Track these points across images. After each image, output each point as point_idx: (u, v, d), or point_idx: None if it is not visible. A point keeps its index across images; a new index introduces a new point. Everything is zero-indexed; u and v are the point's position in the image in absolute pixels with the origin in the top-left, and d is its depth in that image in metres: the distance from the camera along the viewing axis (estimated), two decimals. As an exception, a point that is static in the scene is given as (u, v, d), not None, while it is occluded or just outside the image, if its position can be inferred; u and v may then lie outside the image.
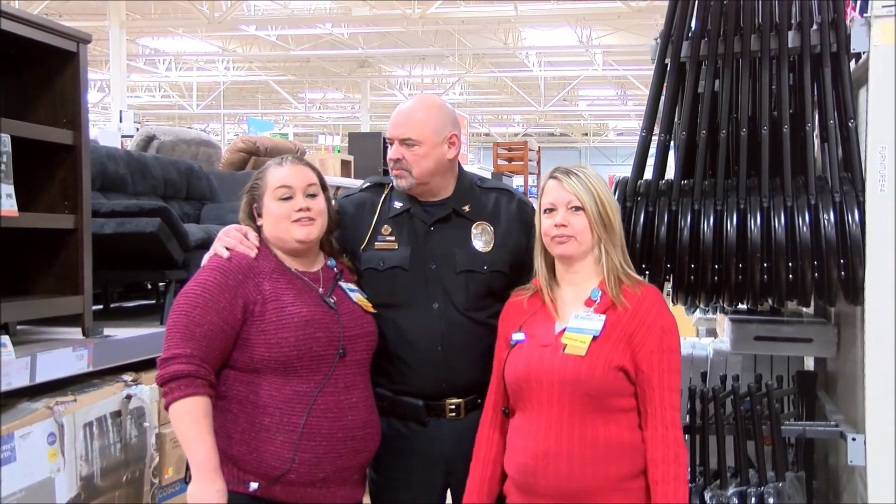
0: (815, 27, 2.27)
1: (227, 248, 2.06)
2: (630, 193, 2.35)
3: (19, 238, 2.50)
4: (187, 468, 1.97)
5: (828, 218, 2.16)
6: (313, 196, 2.10)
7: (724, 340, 3.05)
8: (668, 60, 2.39)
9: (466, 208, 2.23)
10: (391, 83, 22.10)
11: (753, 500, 2.37)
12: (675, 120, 2.42)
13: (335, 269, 2.18)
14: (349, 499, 2.09)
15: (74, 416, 2.43)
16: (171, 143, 4.73)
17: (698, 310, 2.82)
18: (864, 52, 2.26)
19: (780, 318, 2.81)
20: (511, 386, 1.99)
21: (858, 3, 2.37)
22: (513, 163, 15.80)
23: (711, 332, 4.27)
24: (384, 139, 10.37)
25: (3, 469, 2.19)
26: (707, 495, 2.40)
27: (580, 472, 1.88)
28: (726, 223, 2.23)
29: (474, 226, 2.23)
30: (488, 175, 10.58)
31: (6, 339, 2.27)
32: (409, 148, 2.15)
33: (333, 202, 2.25)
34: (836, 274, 2.17)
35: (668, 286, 2.36)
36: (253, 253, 2.07)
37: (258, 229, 2.12)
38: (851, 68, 2.29)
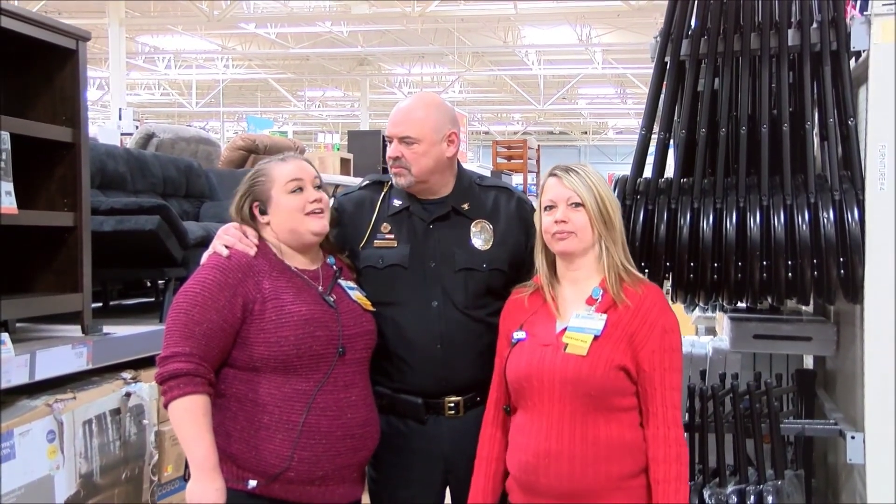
0: (815, 25, 2.27)
1: (227, 247, 2.06)
2: (629, 192, 2.35)
3: (19, 236, 2.50)
4: (186, 466, 1.96)
5: (827, 216, 2.16)
6: (319, 188, 2.12)
7: (723, 339, 3.05)
8: (667, 59, 2.39)
9: (466, 206, 2.23)
10: (390, 81, 22.09)
11: (752, 498, 2.37)
12: (675, 118, 2.42)
13: (334, 266, 2.18)
14: (348, 497, 2.09)
15: (74, 413, 2.43)
16: (170, 140, 4.73)
17: (697, 308, 2.81)
18: (864, 51, 2.26)
19: (780, 316, 2.81)
20: (512, 385, 1.99)
21: (858, 1, 2.37)
22: (512, 161, 15.78)
23: (711, 331, 4.27)
24: (383, 137, 10.40)
25: (2, 466, 2.19)
26: (706, 493, 2.40)
27: (581, 472, 1.88)
28: (726, 221, 2.23)
29: (473, 224, 2.22)
30: (488, 173, 10.56)
31: (6, 336, 2.27)
32: (408, 146, 2.15)
33: (332, 201, 2.25)
34: (836, 272, 2.17)
35: (668, 284, 2.36)
36: (252, 251, 2.07)
37: (256, 228, 2.12)
38: (851, 67, 2.29)
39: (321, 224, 2.10)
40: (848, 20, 2.26)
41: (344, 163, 9.22)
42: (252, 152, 6.00)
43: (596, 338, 1.90)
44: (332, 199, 2.34)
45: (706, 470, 2.44)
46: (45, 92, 2.58)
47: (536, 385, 1.93)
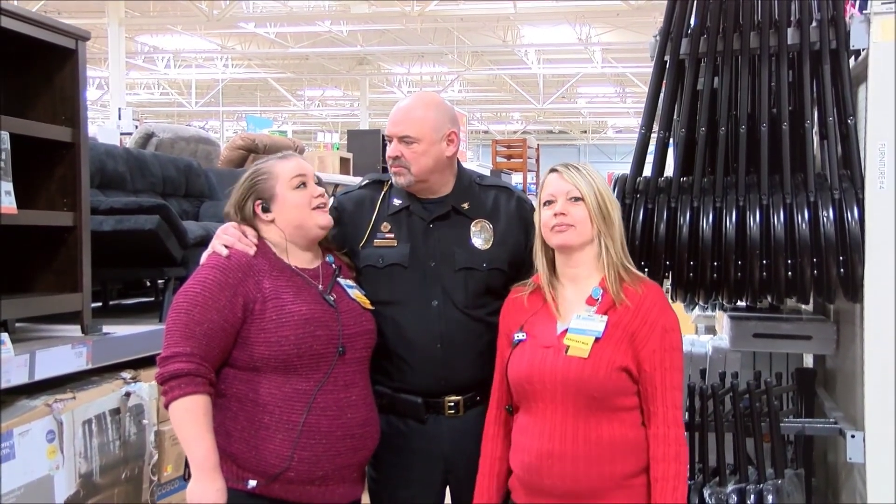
0: (814, 24, 2.27)
1: (226, 246, 2.06)
2: (629, 190, 2.35)
3: (18, 235, 2.50)
4: (186, 466, 1.96)
5: (827, 215, 2.16)
6: (318, 185, 2.14)
7: (723, 338, 3.05)
8: (667, 57, 2.39)
9: (466, 206, 2.23)
10: (390, 80, 22.09)
11: (752, 497, 2.37)
12: (675, 117, 2.42)
13: (333, 265, 2.18)
14: (348, 497, 2.09)
15: (73, 413, 2.43)
16: (169, 140, 4.73)
17: (697, 307, 2.81)
18: (863, 49, 2.26)
19: (779, 315, 2.81)
20: (514, 386, 1.99)
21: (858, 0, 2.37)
22: (512, 160, 15.77)
23: (710, 330, 4.27)
24: (383, 136, 10.40)
25: (2, 466, 2.18)
26: (706, 492, 2.40)
27: (585, 472, 1.88)
28: (725, 220, 2.23)
29: (473, 223, 2.22)
30: (487, 172, 10.55)
31: (5, 336, 2.26)
32: (407, 145, 2.15)
33: (332, 200, 2.25)
34: (836, 271, 2.17)
35: (668, 283, 2.36)
36: (252, 250, 2.07)
37: (255, 227, 2.12)
38: (851, 65, 2.29)
39: (327, 218, 2.12)
40: (847, 19, 2.26)
41: (343, 162, 9.22)
42: (252, 152, 6.00)
43: (597, 340, 1.90)
44: (332, 198, 2.34)
45: (706, 469, 2.44)
46: (45, 92, 2.58)
47: (538, 387, 1.93)
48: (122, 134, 8.31)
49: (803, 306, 2.91)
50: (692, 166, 2.34)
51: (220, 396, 2.01)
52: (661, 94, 2.41)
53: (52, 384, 2.45)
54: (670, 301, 2.22)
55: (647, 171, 2.43)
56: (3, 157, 2.24)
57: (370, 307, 2.16)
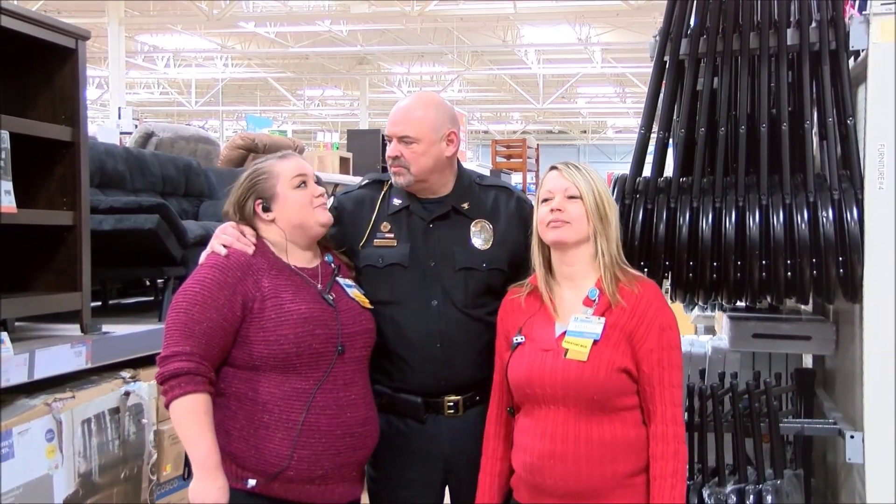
0: (813, 25, 2.27)
1: (225, 246, 2.06)
2: (629, 191, 2.35)
3: (18, 234, 2.50)
4: (186, 465, 1.97)
5: (826, 215, 2.16)
6: (317, 184, 2.14)
7: (722, 338, 3.05)
8: (667, 58, 2.39)
9: (465, 206, 2.23)
10: (390, 80, 22.08)
11: (752, 497, 2.37)
12: (674, 117, 2.42)
13: (332, 264, 2.18)
14: (348, 496, 2.10)
15: (73, 412, 2.43)
16: (169, 139, 4.73)
17: (697, 307, 2.82)
18: (862, 50, 2.26)
19: (779, 315, 2.81)
20: (514, 389, 2.00)
21: (857, 0, 2.37)
22: (511, 160, 15.77)
23: (710, 330, 4.27)
24: (383, 136, 10.39)
25: (1, 466, 2.18)
26: (705, 493, 2.40)
27: (587, 472, 1.89)
28: (725, 220, 2.23)
29: (473, 223, 2.22)
30: (487, 172, 10.56)
31: (4, 335, 2.26)
32: (407, 145, 2.15)
33: (332, 200, 2.25)
34: (835, 271, 2.17)
35: (667, 283, 2.36)
36: (250, 250, 2.07)
37: (255, 227, 2.12)
38: (850, 66, 2.29)
39: (328, 216, 2.13)
40: (847, 19, 2.26)
41: (343, 162, 9.22)
42: (251, 151, 6.00)
43: (595, 342, 1.90)
44: (332, 198, 2.34)
45: (705, 469, 2.44)
46: (45, 91, 2.58)
47: (539, 391, 1.93)
48: (121, 133, 8.32)
49: (802, 307, 2.92)
50: (692, 166, 2.34)
51: (220, 395, 2.01)
52: (661, 95, 2.41)
53: (52, 383, 2.45)
54: (669, 301, 2.22)
55: (647, 171, 2.43)
56: (3, 156, 2.24)
57: (369, 306, 2.16)
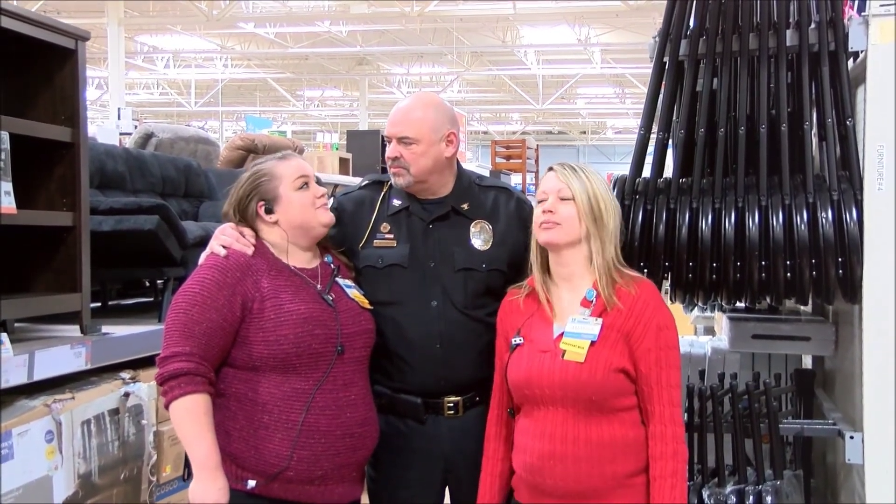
0: (813, 26, 2.27)
1: (224, 247, 2.06)
2: (628, 191, 2.35)
3: (18, 235, 2.50)
4: (186, 466, 1.97)
5: (826, 216, 2.17)
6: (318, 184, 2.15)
7: (722, 338, 3.05)
8: (666, 59, 2.39)
9: (465, 206, 2.23)
10: (389, 81, 22.09)
11: (751, 498, 2.37)
12: (674, 118, 2.42)
13: (332, 265, 2.18)
14: (347, 496, 2.10)
15: (72, 413, 2.43)
16: (169, 140, 4.73)
17: (696, 308, 2.82)
18: (861, 51, 2.26)
19: (778, 316, 2.81)
20: (514, 390, 2.00)
21: (856, 1, 2.37)
22: (511, 161, 15.79)
23: (709, 331, 4.27)
24: (382, 137, 10.39)
25: (0, 467, 2.18)
26: (705, 493, 2.40)
27: (587, 473, 1.89)
28: (724, 221, 2.23)
29: (473, 224, 2.23)
30: (487, 173, 10.56)
31: (4, 336, 2.26)
32: (406, 146, 2.15)
33: (332, 201, 2.25)
34: (834, 272, 2.17)
35: (667, 284, 2.36)
36: (250, 250, 2.07)
37: (255, 228, 2.12)
38: (849, 67, 2.29)
39: (330, 216, 2.14)
40: (846, 20, 2.26)
41: (343, 162, 9.22)
42: (251, 152, 6.00)
43: (592, 343, 1.90)
44: (332, 198, 2.34)
45: (705, 470, 2.44)
46: (45, 92, 2.58)
47: (537, 392, 1.93)
48: (121, 134, 8.31)
49: (802, 307, 2.92)
50: (691, 167, 2.34)
51: (219, 396, 2.01)
52: (661, 96, 2.41)
53: (51, 384, 2.45)
54: (669, 302, 2.22)
55: (647, 172, 2.43)
56: (3, 156, 2.24)
57: (369, 307, 2.16)
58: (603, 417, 1.90)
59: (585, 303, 1.96)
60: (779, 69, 2.31)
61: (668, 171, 2.43)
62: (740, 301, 2.40)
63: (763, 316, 2.79)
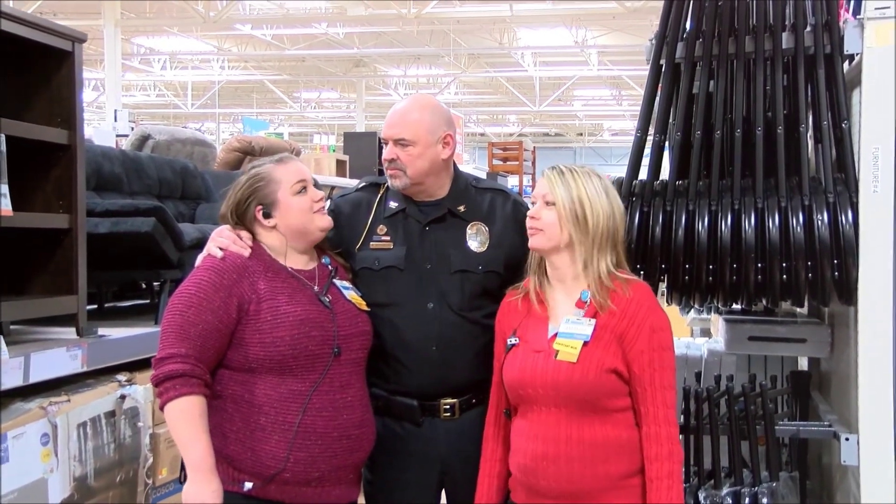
0: (808, 29, 2.28)
1: (221, 249, 2.06)
2: (625, 194, 2.35)
3: (14, 237, 2.50)
4: (181, 468, 1.96)
5: (822, 218, 2.17)
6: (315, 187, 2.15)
7: (718, 340, 3.06)
8: (663, 61, 2.39)
9: (462, 208, 2.24)
10: (386, 83, 22.10)
11: (747, 499, 2.37)
12: (670, 120, 2.43)
13: (329, 266, 2.18)
14: (344, 498, 2.09)
15: (68, 416, 2.43)
16: (166, 142, 4.73)
17: (693, 310, 2.82)
18: (857, 54, 2.26)
19: (774, 318, 2.82)
20: (509, 391, 2.01)
21: (852, 4, 2.38)
22: (508, 163, 15.80)
23: (706, 333, 4.28)
24: (379, 139, 10.35)
25: (-4, 469, 2.18)
26: (701, 495, 2.40)
27: (579, 474, 1.89)
28: (721, 223, 2.24)
29: (469, 226, 2.23)
30: (483, 175, 10.58)
31: (0, 338, 2.26)
32: (403, 148, 2.15)
33: (329, 203, 2.25)
34: (830, 274, 2.18)
35: (663, 286, 2.37)
36: (246, 252, 2.07)
37: (252, 232, 2.12)
38: (845, 70, 2.30)
39: (328, 220, 2.15)
40: (841, 23, 2.27)
41: (340, 164, 9.21)
42: (248, 154, 5.99)
43: (585, 343, 1.90)
44: (329, 200, 2.34)
45: (701, 472, 2.45)
46: (41, 93, 2.57)
47: (531, 392, 1.94)
48: (117, 136, 8.31)
49: (798, 309, 2.92)
50: (688, 169, 2.35)
51: (216, 398, 2.01)
52: (657, 98, 2.42)
53: (47, 387, 2.45)
54: (665, 304, 2.22)
55: (643, 174, 2.43)
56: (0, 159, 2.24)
57: (366, 309, 2.16)
58: (596, 418, 1.90)
59: (580, 304, 1.97)
60: (775, 72, 2.32)
61: (665, 174, 2.43)
62: (736, 303, 2.41)
63: (759, 318, 2.80)
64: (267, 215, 2.10)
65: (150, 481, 2.75)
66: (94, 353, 2.58)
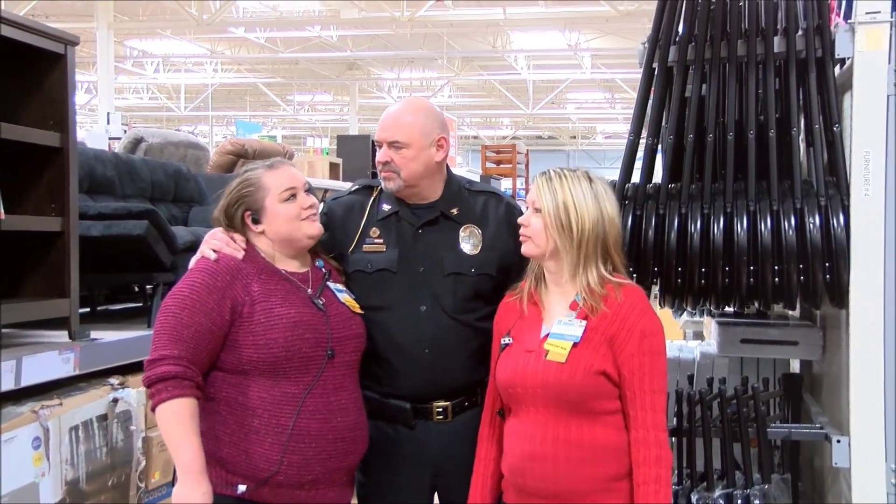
0: (800, 32, 2.29)
1: (214, 251, 2.06)
2: (618, 197, 2.35)
3: (6, 240, 2.49)
4: (175, 472, 1.96)
5: (813, 221, 2.18)
6: (308, 193, 2.13)
7: (710, 343, 3.07)
8: (655, 64, 2.40)
9: (454, 211, 2.24)
10: (380, 86, 22.10)
11: (740, 502, 2.38)
12: (663, 124, 2.43)
13: (323, 269, 2.18)
14: (338, 501, 2.09)
15: (60, 419, 2.42)
16: (159, 145, 4.72)
17: (685, 313, 2.83)
18: (848, 58, 2.28)
19: (767, 321, 2.83)
20: (501, 390, 2.01)
21: (843, 8, 2.40)
22: (501, 165, 15.82)
23: (698, 335, 4.29)
24: (373, 142, 10.38)
25: (-12, 473, 2.17)
26: (694, 497, 2.41)
27: (565, 474, 1.89)
28: (713, 226, 2.24)
29: (462, 229, 2.23)
30: (477, 178, 10.59)
31: (-8, 342, 2.25)
32: (397, 150, 2.15)
33: (322, 205, 2.25)
34: (822, 277, 2.18)
35: (656, 289, 2.37)
36: (240, 255, 2.07)
37: (245, 235, 2.12)
38: (836, 73, 2.31)
39: (317, 227, 2.12)
40: (832, 28, 2.28)
41: (333, 167, 9.22)
42: (241, 157, 5.99)
43: (575, 344, 1.90)
44: (322, 203, 2.34)
45: (694, 474, 2.45)
46: (34, 96, 2.57)
47: (520, 391, 1.94)
48: (110, 138, 8.30)
49: (790, 312, 2.93)
50: (680, 173, 2.36)
51: (209, 400, 2.01)
52: (650, 101, 2.43)
53: (39, 390, 2.44)
54: (658, 307, 2.23)
55: (636, 177, 2.44)
56: (-9, 161, 2.23)
57: (359, 311, 2.16)
58: (584, 420, 1.90)
59: (574, 305, 1.97)
60: (767, 75, 2.33)
61: (658, 177, 2.44)
62: (729, 306, 2.41)
63: (751, 320, 2.81)
64: (255, 221, 2.10)
65: (142, 485, 2.74)
66: (86, 357, 2.58)
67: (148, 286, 3.54)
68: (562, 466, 1.89)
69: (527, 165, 16.36)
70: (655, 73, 2.41)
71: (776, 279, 2.21)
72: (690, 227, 2.26)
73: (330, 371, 2.05)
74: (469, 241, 2.22)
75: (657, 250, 2.29)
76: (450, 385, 2.19)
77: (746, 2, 2.34)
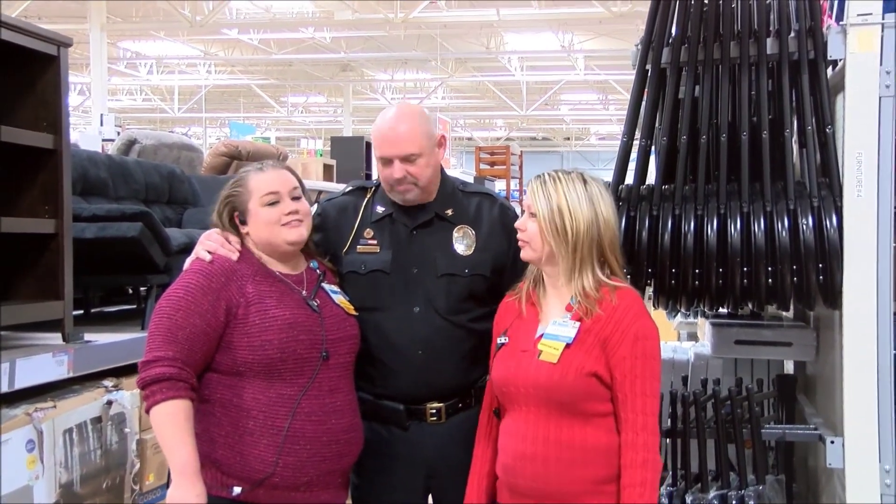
0: (792, 34, 2.30)
1: (209, 252, 2.06)
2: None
3: (-1, 242, 2.48)
4: (169, 474, 1.95)
5: (806, 223, 2.19)
6: (297, 199, 2.11)
7: (704, 344, 3.07)
8: (648, 66, 2.41)
9: (449, 212, 2.24)
10: (374, 87, 22.10)
11: (734, 503, 2.38)
12: (657, 125, 2.44)
13: (318, 270, 2.18)
14: (332, 502, 2.09)
15: (54, 422, 2.41)
16: (152, 146, 4.72)
17: (679, 314, 2.83)
18: (840, 60, 2.29)
19: (760, 322, 2.83)
20: (496, 389, 2.02)
21: (835, 10, 2.41)
22: (495, 167, 15.83)
23: (693, 336, 4.30)
24: (367, 143, 10.40)
25: (-19, 476, 2.16)
26: (688, 499, 2.41)
27: (556, 474, 1.90)
28: (707, 228, 2.25)
29: (456, 230, 2.23)
30: (471, 179, 10.60)
31: (-15, 344, 2.25)
32: (412, 163, 2.13)
33: (316, 206, 2.25)
34: (815, 278, 2.19)
35: (650, 290, 2.38)
36: (235, 256, 2.07)
37: (240, 235, 2.12)
38: (829, 75, 2.32)
39: (297, 233, 2.09)
40: (824, 29, 2.29)
41: (327, 169, 9.20)
42: (235, 158, 5.99)
43: (567, 345, 1.91)
44: (316, 204, 2.34)
45: (688, 475, 2.46)
46: (26, 98, 2.56)
47: (513, 390, 1.95)
48: (104, 140, 8.28)
49: (784, 313, 2.94)
50: (674, 174, 2.36)
51: (204, 402, 2.00)
52: (643, 103, 2.43)
53: (33, 393, 2.43)
54: (652, 308, 2.23)
55: (630, 178, 2.45)
56: (-16, 163, 2.23)
57: (354, 313, 2.16)
58: (575, 421, 1.90)
59: (569, 307, 1.97)
60: (760, 77, 2.33)
61: (651, 178, 2.45)
62: (723, 307, 2.42)
63: (745, 322, 2.81)
64: (243, 222, 2.10)
65: (136, 487, 2.74)
66: (80, 359, 2.57)
67: (142, 288, 3.53)
68: (552, 467, 1.90)
69: (521, 167, 16.38)
70: (649, 74, 2.41)
71: (769, 280, 2.22)
72: (684, 229, 2.27)
73: (325, 373, 2.05)
74: (462, 242, 2.22)
75: (651, 251, 2.29)
76: (443, 386, 2.19)
77: (739, 4, 2.35)
